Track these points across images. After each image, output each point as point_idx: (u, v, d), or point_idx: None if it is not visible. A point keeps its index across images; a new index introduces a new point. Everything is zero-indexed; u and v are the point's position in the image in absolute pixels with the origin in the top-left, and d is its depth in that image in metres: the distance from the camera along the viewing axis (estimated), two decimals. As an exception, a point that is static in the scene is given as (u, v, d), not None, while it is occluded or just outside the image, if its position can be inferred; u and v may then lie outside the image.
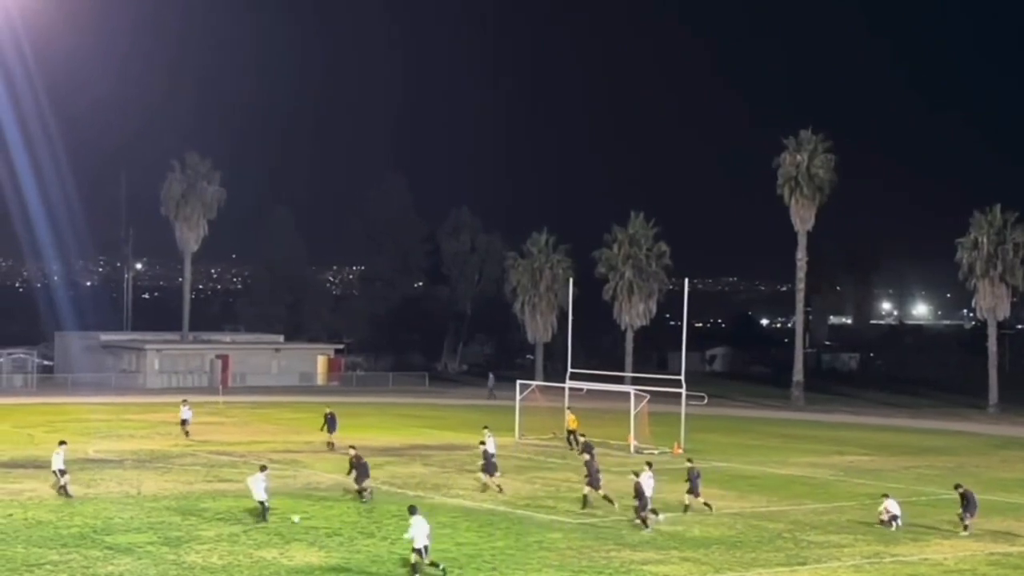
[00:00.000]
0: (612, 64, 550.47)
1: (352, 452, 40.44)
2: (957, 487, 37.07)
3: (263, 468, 36.14)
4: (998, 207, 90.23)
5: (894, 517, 37.21)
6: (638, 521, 35.20)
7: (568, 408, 58.75)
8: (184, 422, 56.57)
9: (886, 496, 38.37)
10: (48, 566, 28.80)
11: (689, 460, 40.35)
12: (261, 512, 34.93)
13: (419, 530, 28.66)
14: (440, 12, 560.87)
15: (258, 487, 35.04)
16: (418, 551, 28.46)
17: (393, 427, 65.69)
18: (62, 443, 40.20)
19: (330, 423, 53.41)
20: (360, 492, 39.02)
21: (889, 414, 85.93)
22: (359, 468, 39.27)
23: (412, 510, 29.40)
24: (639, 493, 35.12)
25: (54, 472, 39.14)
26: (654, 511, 36.24)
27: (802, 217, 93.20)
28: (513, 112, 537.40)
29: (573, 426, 56.39)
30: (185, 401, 58.67)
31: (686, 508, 37.83)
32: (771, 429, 71.23)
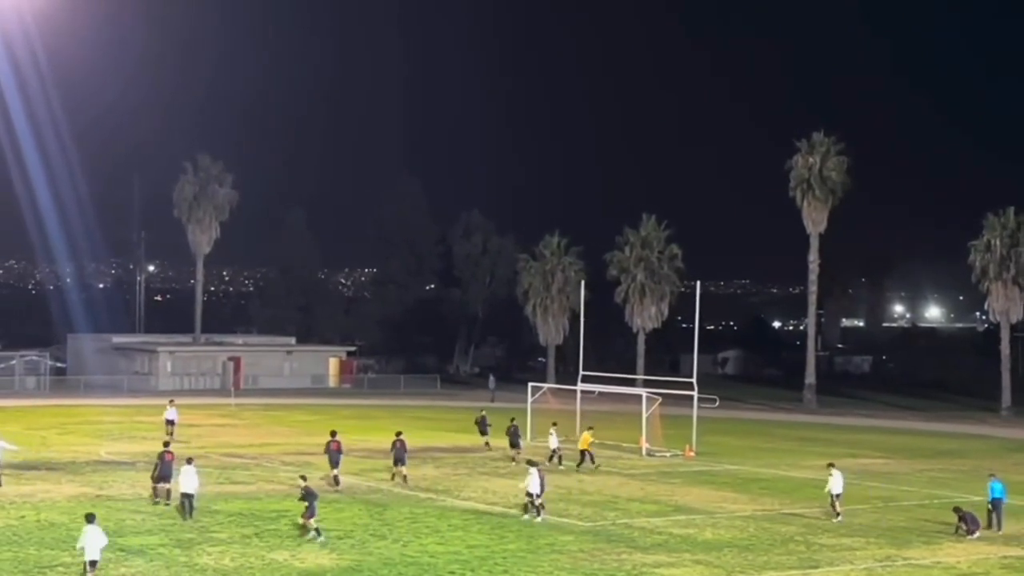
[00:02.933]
0: (623, 67, 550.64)
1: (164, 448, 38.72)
2: (956, 510, 36.98)
3: (189, 460, 35.71)
4: (1011, 210, 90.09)
5: (835, 497, 38.09)
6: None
7: (589, 429, 52.52)
8: (170, 422, 56.27)
9: (831, 466, 39.25)
10: (60, 568, 28.82)
11: (519, 464, 40.49)
12: (187, 507, 34.79)
13: (92, 540, 26.95)
14: (450, 14, 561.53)
15: (187, 480, 34.76)
16: (91, 563, 26.88)
17: (404, 429, 65.12)
18: None
19: (480, 424, 54.54)
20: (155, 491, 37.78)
21: (902, 417, 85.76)
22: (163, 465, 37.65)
23: (89, 518, 27.59)
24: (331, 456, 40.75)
25: None
26: (542, 506, 37.23)
27: (814, 219, 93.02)
28: (524, 114, 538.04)
29: (585, 445, 51.23)
30: (172, 401, 58.71)
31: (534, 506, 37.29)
32: (783, 432, 71.16)
